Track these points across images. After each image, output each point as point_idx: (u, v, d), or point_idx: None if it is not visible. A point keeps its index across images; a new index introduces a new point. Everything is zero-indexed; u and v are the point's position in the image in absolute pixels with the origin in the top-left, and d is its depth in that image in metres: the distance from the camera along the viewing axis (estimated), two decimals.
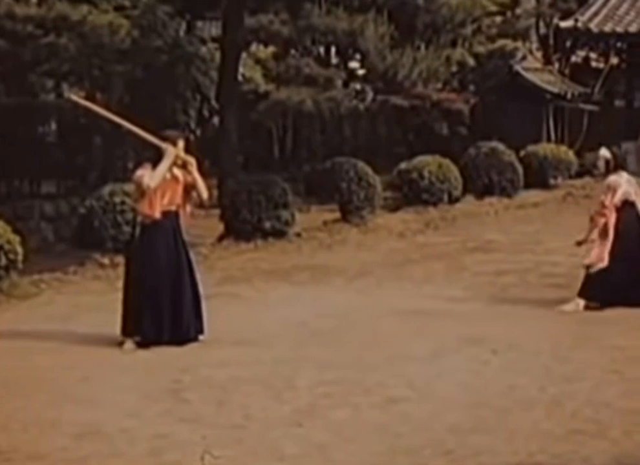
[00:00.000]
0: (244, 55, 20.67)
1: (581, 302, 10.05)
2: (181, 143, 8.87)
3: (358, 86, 24.41)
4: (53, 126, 21.67)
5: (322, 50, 23.73)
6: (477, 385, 7.41)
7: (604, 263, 9.94)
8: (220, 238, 15.34)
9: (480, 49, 24.93)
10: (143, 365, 8.20)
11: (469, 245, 14.87)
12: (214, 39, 21.04)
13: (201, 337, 8.83)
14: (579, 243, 10.38)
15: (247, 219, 15.17)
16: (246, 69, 22.17)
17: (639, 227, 10.18)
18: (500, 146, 20.46)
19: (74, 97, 9.83)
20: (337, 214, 17.24)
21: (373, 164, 18.01)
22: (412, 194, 18.68)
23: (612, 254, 9.96)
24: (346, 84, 23.70)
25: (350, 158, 17.91)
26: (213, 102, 20.72)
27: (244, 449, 6.05)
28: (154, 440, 6.22)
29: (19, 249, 11.53)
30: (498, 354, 8.26)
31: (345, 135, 24.19)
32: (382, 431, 6.40)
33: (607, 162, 10.21)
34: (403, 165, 19.12)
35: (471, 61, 23.75)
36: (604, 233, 10.04)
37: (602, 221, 10.03)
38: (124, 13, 18.77)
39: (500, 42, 25.08)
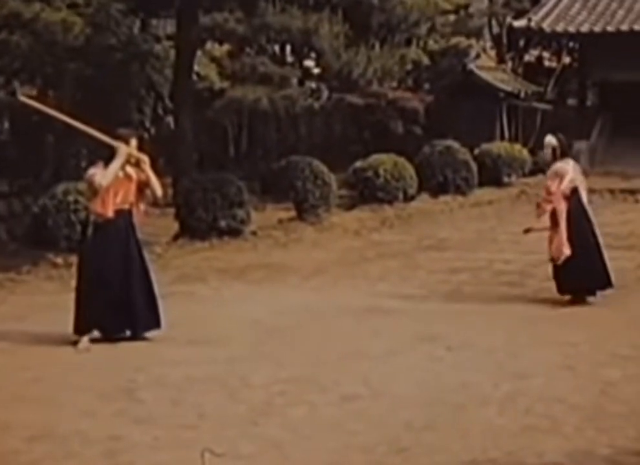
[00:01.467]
0: (199, 53, 20.59)
1: None
2: (134, 142, 8.85)
3: (313, 85, 24.45)
4: (6, 124, 21.46)
5: (277, 48, 23.73)
6: (431, 383, 7.45)
7: (568, 251, 9.95)
8: (175, 237, 15.27)
9: (434, 47, 25.08)
10: (97, 364, 8.14)
11: (424, 243, 14.94)
12: (169, 37, 20.94)
13: (155, 332, 8.81)
14: (526, 231, 10.40)
15: (203, 217, 15.12)
16: (201, 67, 22.09)
17: (584, 214, 10.22)
18: (455, 145, 20.59)
19: (23, 98, 9.69)
20: (293, 213, 17.24)
21: (329, 162, 18.03)
22: (367, 192, 18.73)
23: (571, 241, 9.97)
24: (301, 83, 23.73)
25: (306, 157, 17.92)
26: (167, 100, 20.62)
27: (198, 449, 6.02)
28: (109, 442, 6.18)
29: None
30: (452, 352, 8.31)
31: (300, 133, 24.21)
32: (337, 428, 6.42)
33: (554, 149, 10.22)
34: (358, 164, 19.17)
35: (426, 60, 23.86)
36: (555, 223, 10.05)
37: (548, 207, 10.00)
38: (77, 10, 18.60)
39: (454, 40, 25.23)
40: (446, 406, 6.83)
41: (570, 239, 9.96)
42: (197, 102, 19.56)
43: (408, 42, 23.04)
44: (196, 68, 20.17)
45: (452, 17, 26.22)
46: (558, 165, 10.15)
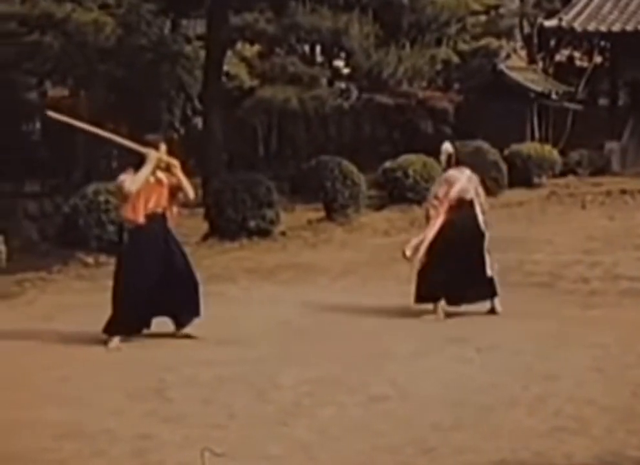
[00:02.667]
0: (229, 53, 20.65)
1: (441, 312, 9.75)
2: (163, 147, 8.88)
3: (343, 85, 24.45)
4: (38, 124, 21.61)
5: (307, 48, 23.75)
6: (459, 384, 7.43)
7: (423, 258, 9.69)
8: (205, 237, 15.33)
9: (465, 47, 24.99)
10: (126, 364, 8.18)
11: None
12: (199, 37, 21.01)
13: (195, 328, 8.88)
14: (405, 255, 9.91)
15: (232, 218, 15.16)
16: (231, 67, 22.16)
17: (475, 227, 9.86)
18: (485, 145, 20.50)
19: (52, 114, 9.80)
20: (322, 213, 17.24)
21: (358, 162, 18.02)
22: (396, 192, 18.70)
23: (435, 249, 9.66)
24: (330, 83, 23.74)
25: (335, 157, 17.92)
26: (196, 101, 20.70)
27: (227, 448, 6.04)
28: (138, 440, 6.21)
29: (3, 248, 11.51)
30: (480, 353, 8.28)
31: (330, 133, 24.21)
32: (365, 429, 6.42)
33: (449, 156, 10.08)
34: (387, 164, 19.15)
35: (456, 60, 23.80)
36: (428, 226, 9.85)
37: (433, 212, 9.79)
38: (108, 11, 18.72)
39: (484, 40, 25.15)
40: (474, 407, 6.81)
41: (435, 247, 9.68)
42: (227, 101, 19.63)
43: (439, 42, 22.99)
44: (226, 68, 20.23)
45: (482, 18, 26.14)
46: (450, 173, 9.90)
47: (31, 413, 6.79)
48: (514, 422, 6.50)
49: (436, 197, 9.86)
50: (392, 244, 15.21)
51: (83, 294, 11.48)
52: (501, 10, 26.98)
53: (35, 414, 6.77)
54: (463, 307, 9.83)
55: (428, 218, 9.95)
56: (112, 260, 13.13)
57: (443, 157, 10.09)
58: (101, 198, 13.78)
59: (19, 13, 17.87)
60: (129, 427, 6.46)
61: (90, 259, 13.21)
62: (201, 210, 15.76)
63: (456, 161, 10.02)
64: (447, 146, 10.11)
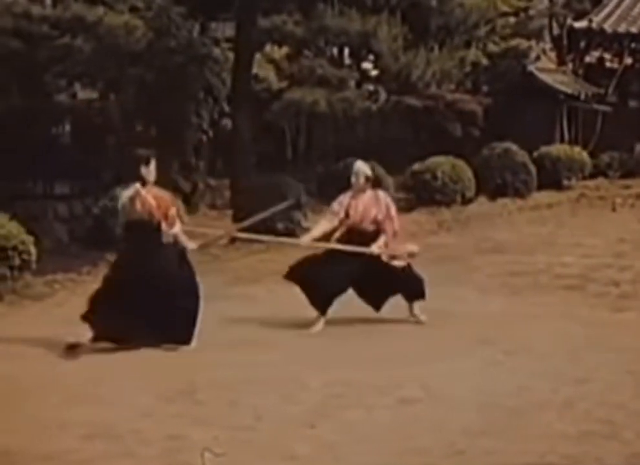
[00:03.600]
0: (257, 55, 20.68)
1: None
2: (153, 162, 8.90)
3: (371, 87, 24.39)
4: (67, 127, 21.72)
5: (335, 50, 23.73)
6: (489, 387, 7.40)
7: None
8: (232, 239, 15.34)
9: (494, 49, 24.90)
10: (155, 366, 8.21)
11: (482, 246, 14.84)
12: (227, 40, 21.06)
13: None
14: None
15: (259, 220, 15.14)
16: (259, 69, 22.18)
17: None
18: (514, 147, 20.42)
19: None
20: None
21: (386, 164, 17.97)
22: (425, 194, 18.66)
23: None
24: (359, 85, 23.70)
25: (363, 159, 17.88)
26: (224, 103, 20.74)
27: (255, 449, 6.06)
28: (167, 441, 6.23)
29: (33, 250, 11.55)
30: (510, 356, 8.24)
31: (358, 135, 24.16)
32: (393, 431, 6.41)
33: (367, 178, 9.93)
34: (416, 166, 19.11)
35: (485, 61, 23.71)
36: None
37: None
38: (138, 14, 18.79)
39: (514, 41, 25.04)
40: (504, 410, 6.78)
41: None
42: (255, 104, 19.65)
43: (468, 44, 22.91)
44: (254, 70, 20.25)
45: (512, 19, 26.02)
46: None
47: (62, 414, 6.82)
48: (543, 425, 6.46)
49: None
50: (421, 246, 15.19)
51: None
52: (531, 12, 26.84)
53: (66, 414, 6.80)
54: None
55: None
56: None
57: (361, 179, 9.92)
58: None
59: (50, 16, 17.96)
60: (158, 429, 6.48)
61: None
62: (229, 212, 15.78)
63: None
64: (362, 167, 10.04)
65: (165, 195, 8.98)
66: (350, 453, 6.03)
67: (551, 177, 21.27)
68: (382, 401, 7.05)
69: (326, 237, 9.95)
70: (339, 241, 9.70)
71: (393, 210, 9.81)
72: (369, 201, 9.71)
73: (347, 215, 9.77)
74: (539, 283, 11.83)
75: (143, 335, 8.59)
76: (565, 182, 21.74)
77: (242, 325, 9.47)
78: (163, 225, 8.75)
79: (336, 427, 6.51)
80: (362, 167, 9.85)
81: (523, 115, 23.15)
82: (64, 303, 11.25)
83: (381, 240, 9.60)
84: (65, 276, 12.42)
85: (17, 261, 11.33)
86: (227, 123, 20.38)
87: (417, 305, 9.75)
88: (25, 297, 11.34)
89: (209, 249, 14.20)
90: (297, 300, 9.76)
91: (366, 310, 9.97)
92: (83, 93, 22.59)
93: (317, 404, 7.01)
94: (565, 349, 8.44)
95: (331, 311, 9.65)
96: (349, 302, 10.64)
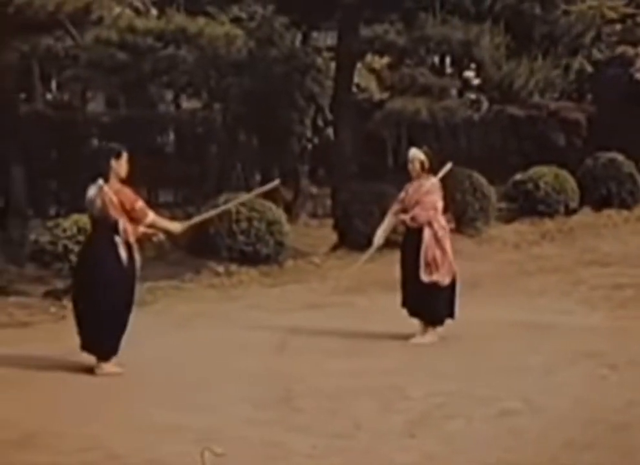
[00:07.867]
0: (358, 65, 20.74)
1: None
2: (125, 156, 8.80)
3: (473, 96, 24.25)
4: (172, 136, 22.11)
5: (436, 59, 23.64)
6: (593, 401, 7.24)
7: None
8: (334, 248, 15.38)
9: (599, 56, 24.50)
10: (254, 373, 8.25)
11: (586, 258, 14.57)
12: (329, 49, 21.18)
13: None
14: None
15: (361, 229, 15.14)
16: (361, 79, 22.24)
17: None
18: (619, 157, 20.00)
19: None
20: (451, 225, 17.08)
21: (488, 174, 17.81)
22: (527, 205, 18.42)
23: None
24: (460, 94, 23.58)
25: (465, 168, 17.76)
26: (327, 112, 20.84)
27: (353, 458, 6.04)
28: (267, 448, 6.24)
29: (137, 257, 11.71)
30: (615, 370, 8.06)
31: (459, 145, 24.02)
32: (493, 443, 6.31)
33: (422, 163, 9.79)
34: (518, 176, 18.88)
35: (590, 69, 23.34)
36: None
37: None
38: (240, 24, 19.04)
39: (620, 49, 24.59)
40: (609, 425, 6.62)
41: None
42: (357, 113, 19.70)
43: (573, 52, 22.57)
44: (355, 79, 20.31)
45: (618, 26, 25.55)
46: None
47: (175, 418, 6.86)
48: None
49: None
50: (523, 257, 15.01)
51: (214, 302, 11.64)
52: (638, 19, 26.30)
53: (178, 419, 6.85)
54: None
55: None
56: (243, 270, 13.40)
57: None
58: (232, 208, 13.97)
59: (155, 28, 18.33)
60: (258, 435, 6.51)
61: (220, 269, 13.39)
62: (329, 221, 15.83)
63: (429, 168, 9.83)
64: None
65: (128, 190, 8.64)
66: (449, 463, 5.97)
67: None
68: (482, 412, 6.96)
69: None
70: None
71: (426, 188, 9.71)
72: (417, 188, 9.72)
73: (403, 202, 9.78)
74: None
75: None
76: None
77: (342, 334, 9.46)
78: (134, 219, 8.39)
79: (436, 437, 6.45)
80: (416, 153, 9.87)
81: (629, 124, 22.70)
82: (167, 309, 11.40)
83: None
84: (168, 283, 12.58)
85: None
86: (330, 132, 20.48)
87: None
88: None
89: (310, 258, 14.30)
90: (397, 310, 9.71)
91: (469, 321, 9.89)
92: (188, 103, 22.97)
93: (418, 414, 6.95)
94: None
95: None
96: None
